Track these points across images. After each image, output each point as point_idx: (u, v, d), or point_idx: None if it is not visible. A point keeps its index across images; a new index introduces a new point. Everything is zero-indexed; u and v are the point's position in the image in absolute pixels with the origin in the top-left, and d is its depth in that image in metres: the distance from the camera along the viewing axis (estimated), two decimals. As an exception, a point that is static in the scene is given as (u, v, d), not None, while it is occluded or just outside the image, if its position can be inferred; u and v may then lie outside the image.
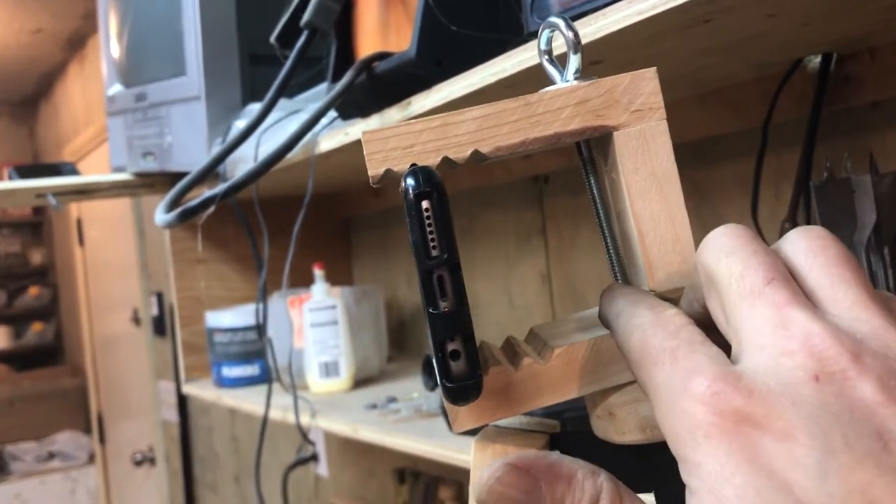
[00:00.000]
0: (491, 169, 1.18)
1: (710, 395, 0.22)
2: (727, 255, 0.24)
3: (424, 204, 0.26)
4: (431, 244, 0.26)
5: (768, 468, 0.21)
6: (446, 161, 0.29)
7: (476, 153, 0.29)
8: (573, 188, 1.09)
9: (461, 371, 0.26)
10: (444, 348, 0.26)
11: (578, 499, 0.25)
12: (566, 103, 0.29)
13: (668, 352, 0.23)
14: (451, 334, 0.26)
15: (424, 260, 0.26)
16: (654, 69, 0.29)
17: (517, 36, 0.64)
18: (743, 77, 0.78)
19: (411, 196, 0.26)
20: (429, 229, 0.26)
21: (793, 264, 0.24)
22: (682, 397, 0.22)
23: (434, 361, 0.27)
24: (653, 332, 0.24)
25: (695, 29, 0.55)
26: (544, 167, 1.09)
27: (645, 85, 0.29)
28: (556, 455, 0.27)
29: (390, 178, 0.28)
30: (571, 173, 1.07)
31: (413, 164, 0.28)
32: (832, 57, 0.71)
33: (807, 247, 0.24)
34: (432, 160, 0.28)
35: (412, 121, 0.28)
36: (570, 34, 0.30)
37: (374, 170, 0.28)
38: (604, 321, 0.28)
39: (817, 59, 0.72)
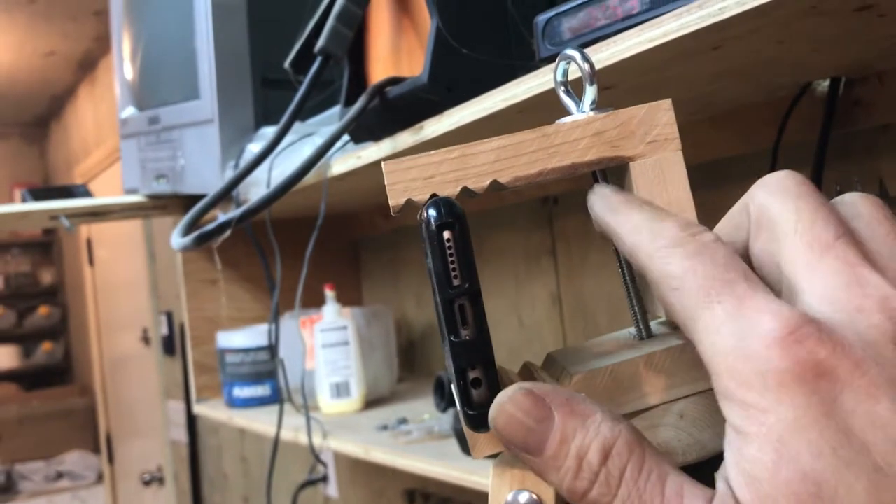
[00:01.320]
0: (501, 190, 1.18)
1: (793, 342, 0.20)
2: (794, 199, 0.23)
3: (446, 234, 0.26)
4: (453, 274, 0.26)
5: (846, 427, 0.20)
6: (465, 191, 0.29)
7: (495, 183, 0.29)
8: (583, 209, 1.08)
9: (483, 398, 0.26)
10: (466, 376, 0.26)
11: (590, 439, 0.23)
12: (583, 134, 0.29)
13: (725, 285, 0.22)
14: (473, 362, 0.26)
15: (446, 289, 0.26)
16: (669, 101, 0.29)
17: (528, 61, 0.64)
18: (752, 100, 0.79)
19: (433, 227, 0.27)
20: (450, 259, 0.26)
21: (853, 227, 0.24)
22: (751, 338, 0.21)
23: (455, 389, 0.27)
24: (699, 260, 0.23)
25: (705, 55, 0.55)
26: (553, 188, 1.10)
27: (660, 116, 0.29)
28: (579, 393, 0.25)
29: (411, 207, 0.29)
30: (581, 194, 1.07)
31: (433, 194, 0.28)
32: (841, 81, 0.72)
33: (869, 213, 0.24)
34: (451, 190, 0.29)
35: (431, 152, 0.29)
36: (587, 66, 0.30)
37: (396, 200, 0.29)
38: (606, 231, 0.26)
39: (826, 83, 0.72)
